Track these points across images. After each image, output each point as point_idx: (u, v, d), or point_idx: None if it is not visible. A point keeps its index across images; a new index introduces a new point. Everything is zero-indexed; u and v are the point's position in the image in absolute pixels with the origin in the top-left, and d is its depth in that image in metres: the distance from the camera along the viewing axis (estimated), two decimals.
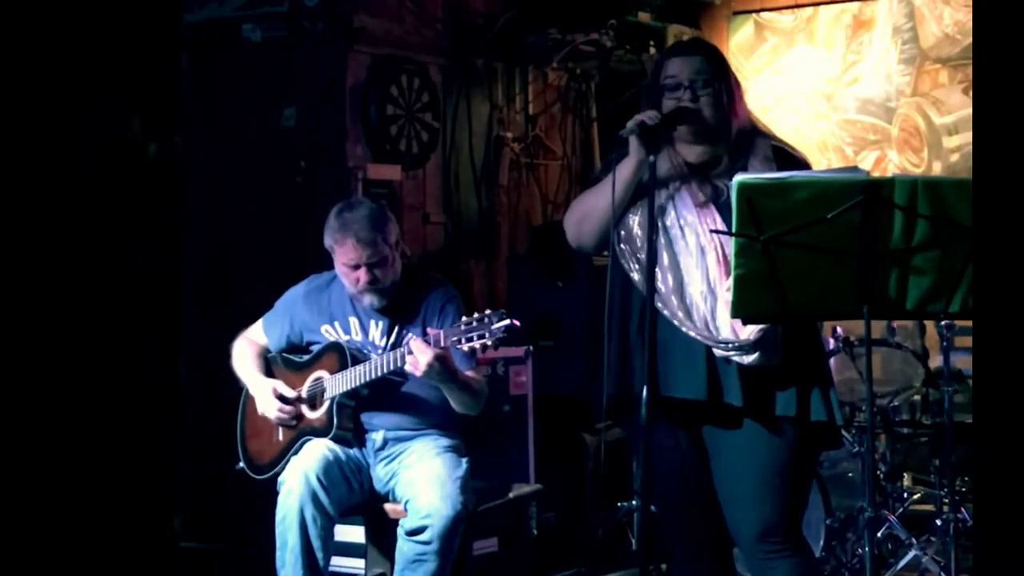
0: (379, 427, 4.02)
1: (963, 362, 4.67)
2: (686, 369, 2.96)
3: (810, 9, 6.17)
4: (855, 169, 2.79)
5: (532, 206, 5.94)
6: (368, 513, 4.09)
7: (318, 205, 4.61)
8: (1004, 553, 2.08)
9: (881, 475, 4.68)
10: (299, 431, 4.05)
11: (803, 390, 2.95)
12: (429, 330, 3.82)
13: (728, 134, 3.04)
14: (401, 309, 4.01)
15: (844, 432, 4.47)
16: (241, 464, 4.20)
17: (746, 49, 6.31)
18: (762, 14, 6.30)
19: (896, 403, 4.70)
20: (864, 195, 2.64)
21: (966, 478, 4.64)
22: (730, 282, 2.78)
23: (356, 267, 3.91)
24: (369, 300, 3.97)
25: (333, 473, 3.91)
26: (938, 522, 4.43)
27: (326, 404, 3.99)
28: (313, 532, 3.81)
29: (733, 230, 2.67)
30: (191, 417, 4.80)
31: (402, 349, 3.77)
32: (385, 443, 4.02)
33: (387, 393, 3.98)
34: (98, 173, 1.51)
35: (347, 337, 4.04)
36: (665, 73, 3.06)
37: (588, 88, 6.17)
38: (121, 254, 1.54)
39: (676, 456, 3.07)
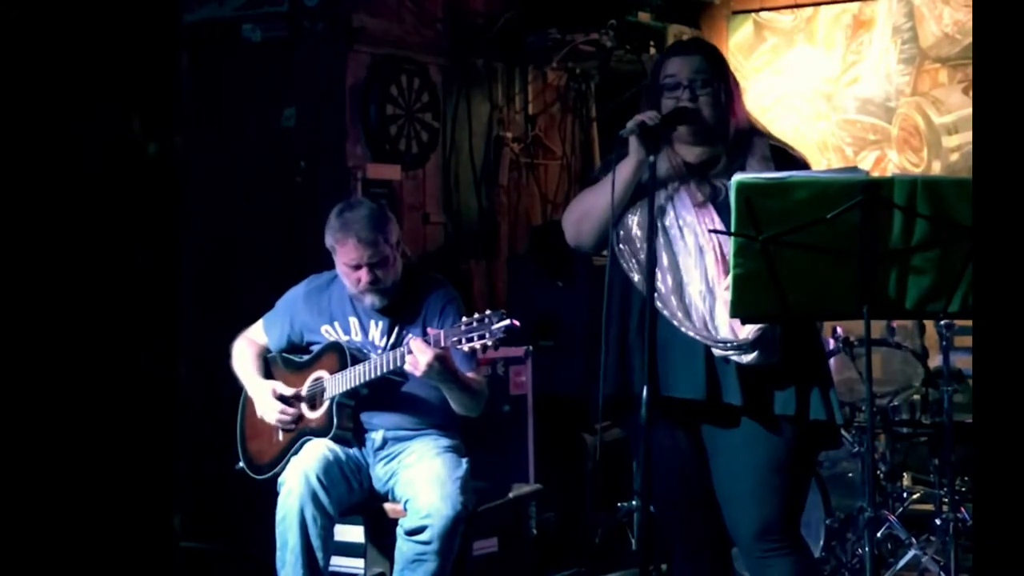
0: (379, 427, 4.03)
1: (963, 362, 4.67)
2: (685, 369, 2.96)
3: (810, 9, 6.18)
4: (855, 169, 2.79)
5: (532, 206, 5.94)
6: (368, 513, 4.09)
7: (318, 205, 4.61)
8: (1004, 553, 2.08)
9: (881, 475, 4.69)
10: (299, 431, 4.05)
11: (802, 389, 2.96)
12: (429, 330, 3.82)
13: (727, 134, 3.05)
14: (401, 309, 4.01)
15: (844, 432, 4.47)
16: (241, 464, 4.20)
17: (746, 49, 6.31)
18: (762, 14, 6.30)
19: (896, 403, 4.70)
20: (863, 195, 2.63)
21: (966, 478, 4.64)
22: (728, 281, 2.78)
23: (357, 267, 3.92)
24: (370, 300, 3.97)
25: (333, 473, 3.91)
26: (938, 522, 4.44)
27: (326, 404, 4.00)
28: (313, 532, 3.81)
29: (732, 230, 2.67)
30: (191, 417, 4.80)
31: (402, 349, 3.77)
32: (385, 443, 4.02)
33: (387, 393, 3.99)
34: (98, 173, 1.51)
35: (347, 337, 4.04)
36: (664, 73, 3.06)
37: (588, 88, 6.17)
38: (121, 254, 1.54)
39: (675, 456, 3.07)
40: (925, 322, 4.69)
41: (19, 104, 1.46)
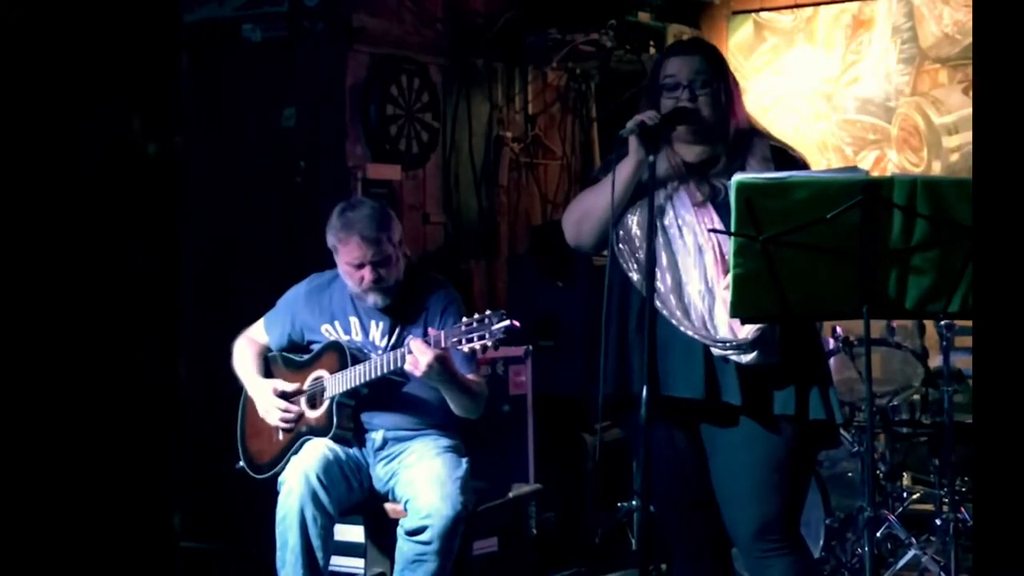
0: (379, 427, 4.03)
1: (963, 362, 4.67)
2: (684, 368, 2.96)
3: (810, 9, 6.18)
4: (854, 169, 2.79)
5: (532, 206, 5.95)
6: (368, 513, 4.09)
7: (318, 205, 4.61)
8: (1004, 553, 2.08)
9: (881, 475, 4.69)
10: (299, 431, 4.05)
11: (802, 389, 2.96)
12: (430, 330, 3.83)
13: (726, 134, 3.05)
14: (403, 309, 4.01)
15: (844, 432, 4.47)
16: (241, 464, 4.20)
17: (745, 49, 6.31)
18: (762, 14, 6.30)
19: (896, 403, 4.70)
20: (863, 195, 2.64)
21: (966, 478, 4.64)
22: (728, 281, 2.78)
23: (360, 266, 3.91)
24: (373, 299, 3.96)
25: (333, 473, 3.91)
26: (938, 522, 4.44)
27: (326, 403, 4.00)
28: (313, 532, 3.81)
29: (732, 230, 2.67)
30: (191, 417, 4.81)
31: (402, 349, 3.77)
32: (385, 443, 4.02)
33: (387, 393, 3.99)
34: (98, 173, 1.51)
35: (347, 337, 4.04)
36: (664, 73, 3.06)
37: (588, 88, 6.18)
38: (121, 254, 1.54)
39: (675, 456, 3.07)
40: (925, 322, 4.69)
41: (19, 104, 1.46)
